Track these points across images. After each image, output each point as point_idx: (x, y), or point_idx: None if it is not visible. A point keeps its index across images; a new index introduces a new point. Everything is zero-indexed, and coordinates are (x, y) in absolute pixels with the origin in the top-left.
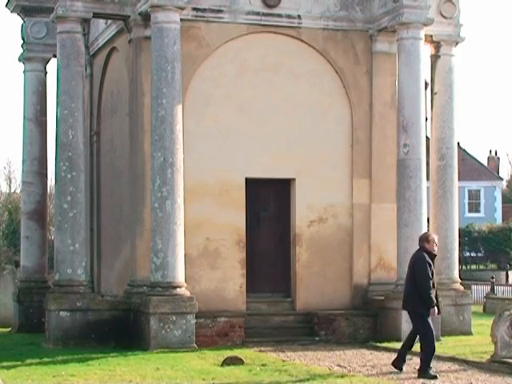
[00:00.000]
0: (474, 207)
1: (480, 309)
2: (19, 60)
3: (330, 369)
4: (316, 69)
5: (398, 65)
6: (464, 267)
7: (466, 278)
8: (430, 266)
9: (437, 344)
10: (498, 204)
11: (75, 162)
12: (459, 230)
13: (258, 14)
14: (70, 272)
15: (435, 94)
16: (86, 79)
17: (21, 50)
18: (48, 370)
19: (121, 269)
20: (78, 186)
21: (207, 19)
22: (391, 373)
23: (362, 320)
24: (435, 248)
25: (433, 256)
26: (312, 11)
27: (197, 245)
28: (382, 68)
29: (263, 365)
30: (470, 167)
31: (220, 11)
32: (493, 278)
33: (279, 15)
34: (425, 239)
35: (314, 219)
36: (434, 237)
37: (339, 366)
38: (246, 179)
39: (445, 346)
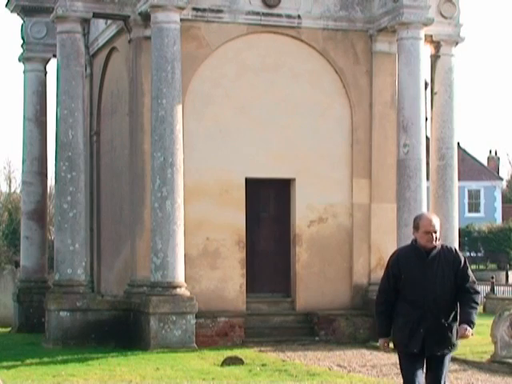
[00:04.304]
0: (474, 207)
1: (480, 309)
2: (19, 60)
3: (329, 369)
4: (316, 69)
5: (398, 65)
6: None
7: None
8: (393, 274)
9: None
10: (498, 204)
11: (75, 162)
12: (459, 229)
13: (257, 13)
14: (70, 272)
15: (435, 94)
16: (86, 79)
17: (21, 50)
18: (48, 370)
19: (121, 269)
20: (77, 186)
21: (207, 19)
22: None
23: (362, 320)
24: (429, 237)
25: (427, 250)
26: (312, 11)
27: (197, 245)
28: (382, 68)
29: (263, 365)
30: (470, 167)
31: (220, 11)
32: (493, 278)
33: (279, 15)
34: (414, 224)
35: (314, 219)
36: (427, 219)
37: (339, 365)
38: (246, 179)
39: None
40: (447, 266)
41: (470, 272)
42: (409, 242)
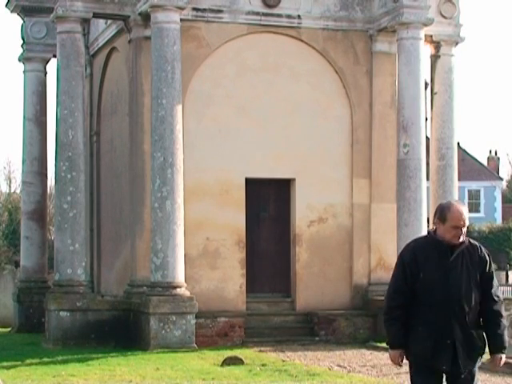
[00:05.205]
0: (474, 207)
1: None
2: (19, 60)
3: (329, 369)
4: (316, 69)
5: (398, 65)
6: None
7: None
8: (411, 272)
9: None
10: (498, 204)
11: (75, 162)
12: None
13: (257, 14)
14: (70, 272)
15: (435, 94)
16: (86, 79)
17: (21, 50)
18: (48, 370)
19: (121, 269)
20: (77, 186)
21: (207, 19)
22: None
23: (362, 320)
24: (458, 233)
25: (451, 246)
26: (312, 11)
27: (197, 245)
28: (382, 68)
29: (263, 365)
30: (470, 167)
31: (220, 11)
32: None
33: (279, 15)
34: (439, 213)
35: (314, 219)
36: (459, 211)
37: (339, 365)
38: (246, 179)
39: None
40: (472, 265)
41: (494, 275)
42: (409, 241)
